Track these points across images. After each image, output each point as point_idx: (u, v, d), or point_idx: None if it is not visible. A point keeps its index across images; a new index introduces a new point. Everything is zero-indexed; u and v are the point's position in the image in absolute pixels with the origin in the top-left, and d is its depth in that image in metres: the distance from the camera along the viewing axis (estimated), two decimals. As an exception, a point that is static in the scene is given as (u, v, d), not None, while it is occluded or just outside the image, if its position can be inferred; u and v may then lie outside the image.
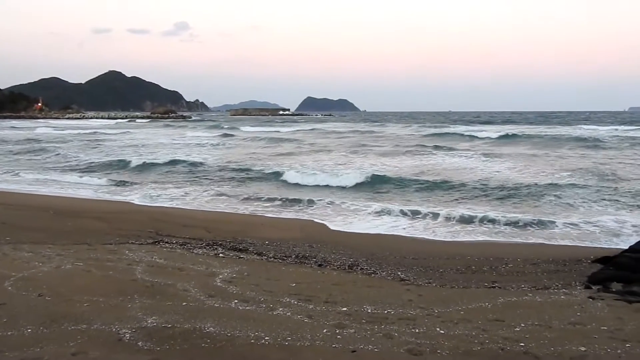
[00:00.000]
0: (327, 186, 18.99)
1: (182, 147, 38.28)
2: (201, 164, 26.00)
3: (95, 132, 58.11)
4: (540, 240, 11.10)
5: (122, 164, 26.31)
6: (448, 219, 13.06)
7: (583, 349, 4.59)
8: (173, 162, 26.21)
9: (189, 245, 10.02)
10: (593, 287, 7.13)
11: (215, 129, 68.61)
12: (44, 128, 67.02)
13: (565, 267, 8.73)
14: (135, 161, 26.64)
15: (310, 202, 15.40)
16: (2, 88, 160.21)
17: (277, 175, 21.43)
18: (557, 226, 12.18)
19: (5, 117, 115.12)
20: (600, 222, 12.45)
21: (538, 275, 8.25)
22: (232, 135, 53.11)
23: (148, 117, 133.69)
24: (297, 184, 19.70)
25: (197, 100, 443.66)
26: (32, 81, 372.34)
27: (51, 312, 5.42)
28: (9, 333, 4.85)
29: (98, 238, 10.19)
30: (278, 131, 62.02)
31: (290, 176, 20.81)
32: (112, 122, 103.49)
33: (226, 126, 74.32)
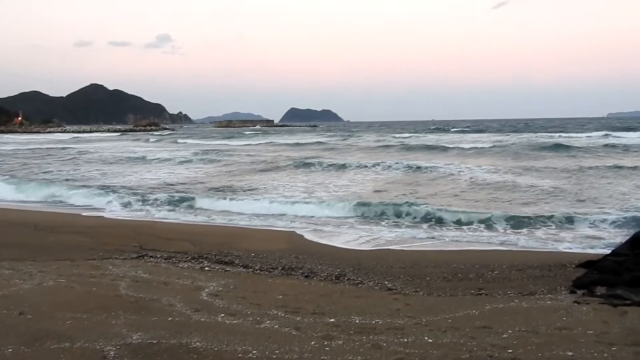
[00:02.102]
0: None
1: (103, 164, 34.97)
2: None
3: (35, 149, 52.45)
4: (525, 247, 11.20)
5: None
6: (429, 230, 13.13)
7: (570, 353, 4.62)
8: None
9: (174, 258, 9.91)
10: (578, 292, 7.19)
11: (174, 143, 65.96)
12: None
13: (550, 272, 8.80)
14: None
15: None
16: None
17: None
18: (540, 233, 12.32)
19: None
20: (580, 227, 12.64)
21: (524, 281, 8.30)
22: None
23: (131, 131, 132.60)
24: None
25: (180, 112, 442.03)
26: (12, 95, 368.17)
27: (33, 331, 5.30)
28: (-11, 353, 4.73)
29: (81, 253, 10.02)
30: (249, 144, 59.22)
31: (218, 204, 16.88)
32: (69, 136, 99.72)
33: (181, 141, 70.60)
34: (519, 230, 12.62)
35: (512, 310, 6.21)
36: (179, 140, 72.01)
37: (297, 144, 56.46)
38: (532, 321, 5.63)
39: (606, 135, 54.89)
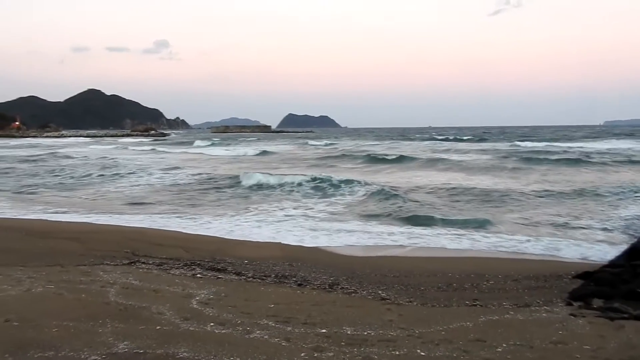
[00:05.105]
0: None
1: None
2: None
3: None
4: (521, 255, 11.10)
5: None
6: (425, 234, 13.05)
7: (566, 369, 4.52)
8: None
9: (166, 265, 9.77)
10: (574, 304, 7.09)
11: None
12: None
13: (546, 283, 8.70)
14: None
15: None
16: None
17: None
18: (536, 240, 12.23)
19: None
20: (577, 237, 12.56)
21: (519, 292, 8.20)
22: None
23: (125, 135, 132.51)
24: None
25: (177, 118, 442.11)
26: (10, 100, 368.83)
27: (18, 339, 5.18)
28: (-29, 362, 4.61)
29: (71, 259, 9.88)
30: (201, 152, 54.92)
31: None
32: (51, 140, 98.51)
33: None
34: (515, 237, 12.53)
35: (506, 323, 6.11)
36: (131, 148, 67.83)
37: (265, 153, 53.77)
38: (527, 334, 5.53)
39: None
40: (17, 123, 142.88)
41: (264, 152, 53.67)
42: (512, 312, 6.71)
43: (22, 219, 15.39)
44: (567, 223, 14.26)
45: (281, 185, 22.73)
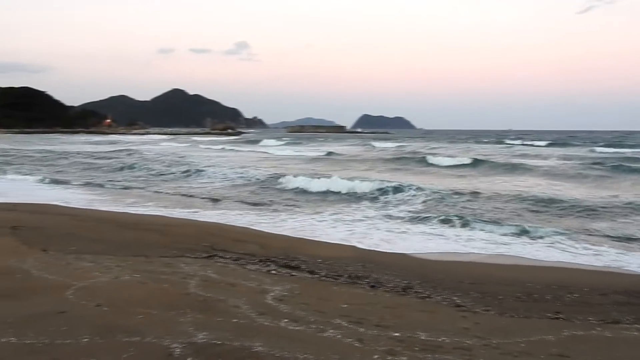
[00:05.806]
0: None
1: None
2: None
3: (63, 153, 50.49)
4: (609, 269, 10.41)
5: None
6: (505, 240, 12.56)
7: (660, 393, 4.19)
8: None
9: (242, 260, 10.05)
10: (670, 324, 6.55)
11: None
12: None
13: (638, 299, 8.10)
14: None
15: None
16: (75, 105, 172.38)
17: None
18: (626, 253, 11.42)
19: (76, 132, 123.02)
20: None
21: (607, 307, 7.68)
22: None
23: (203, 134, 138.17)
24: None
25: (255, 117, 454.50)
26: (103, 99, 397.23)
27: (107, 323, 5.54)
28: (67, 341, 4.98)
29: (155, 250, 10.42)
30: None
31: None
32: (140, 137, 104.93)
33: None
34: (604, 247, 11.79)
35: (593, 339, 5.75)
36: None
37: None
38: (616, 353, 5.18)
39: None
40: (108, 121, 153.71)
41: (330, 153, 53.82)
42: (599, 328, 6.31)
43: (112, 211, 16.44)
44: (662, 236, 13.21)
45: (349, 188, 22.59)
